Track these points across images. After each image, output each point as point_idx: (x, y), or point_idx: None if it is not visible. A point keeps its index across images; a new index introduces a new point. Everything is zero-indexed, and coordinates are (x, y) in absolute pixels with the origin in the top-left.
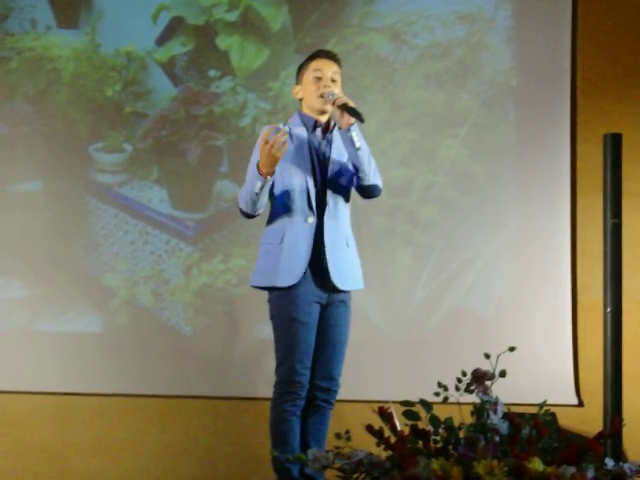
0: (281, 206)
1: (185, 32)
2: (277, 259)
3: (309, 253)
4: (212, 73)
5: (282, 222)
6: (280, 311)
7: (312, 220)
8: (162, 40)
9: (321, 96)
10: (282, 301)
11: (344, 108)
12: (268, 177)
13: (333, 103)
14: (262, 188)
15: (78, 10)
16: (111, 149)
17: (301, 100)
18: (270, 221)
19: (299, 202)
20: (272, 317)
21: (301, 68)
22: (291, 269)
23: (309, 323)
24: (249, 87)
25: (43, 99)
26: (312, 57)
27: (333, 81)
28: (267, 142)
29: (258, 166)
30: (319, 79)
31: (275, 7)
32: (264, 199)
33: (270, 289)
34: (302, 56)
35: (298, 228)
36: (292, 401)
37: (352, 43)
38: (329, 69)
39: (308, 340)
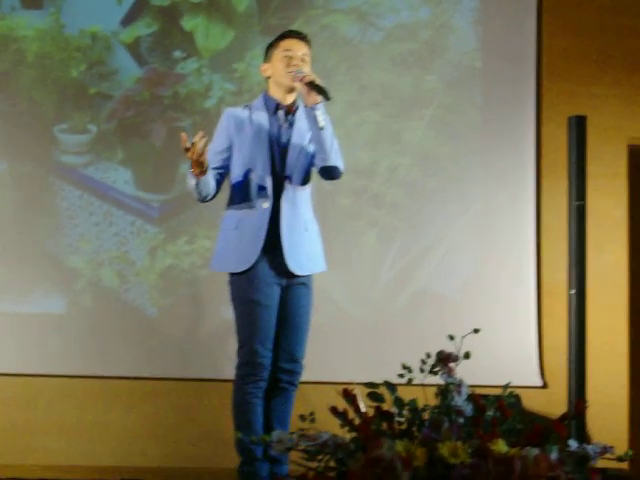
0: (237, 192)
1: (150, 13)
2: (232, 244)
3: (263, 238)
4: (177, 54)
5: (238, 208)
6: (240, 293)
7: (267, 205)
8: (127, 21)
9: (289, 73)
10: (242, 283)
11: (311, 86)
12: (200, 177)
13: (301, 80)
14: (198, 184)
15: None
16: (76, 130)
17: (268, 78)
18: (228, 206)
19: (255, 187)
20: (232, 299)
21: (271, 47)
22: (245, 254)
23: (269, 305)
24: (214, 68)
25: (7, 80)
26: (283, 36)
27: (302, 61)
28: (187, 149)
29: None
30: (289, 58)
31: None
32: (207, 189)
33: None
34: (267, 37)
35: (253, 213)
36: (254, 383)
37: (318, 24)
38: (299, 49)
39: (269, 322)
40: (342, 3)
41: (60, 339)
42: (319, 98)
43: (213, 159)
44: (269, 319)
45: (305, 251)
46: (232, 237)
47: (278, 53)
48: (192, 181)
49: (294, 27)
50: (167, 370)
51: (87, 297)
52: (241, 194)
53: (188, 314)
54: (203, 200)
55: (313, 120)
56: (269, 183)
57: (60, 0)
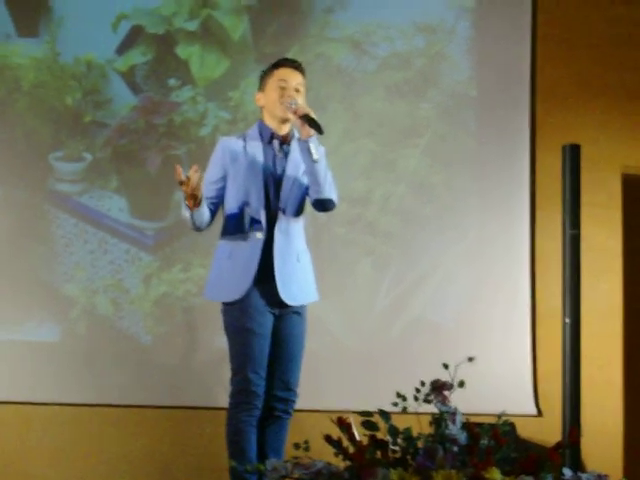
0: (231, 222)
1: (145, 41)
2: (225, 274)
3: (255, 268)
4: (172, 82)
5: (231, 238)
6: (233, 322)
7: (260, 235)
8: (122, 49)
9: (283, 104)
10: (235, 312)
11: (305, 119)
12: (195, 209)
13: (294, 112)
14: (192, 216)
15: (38, 19)
16: (71, 158)
17: (263, 108)
18: (221, 236)
19: (248, 218)
20: (226, 328)
21: (265, 75)
22: (237, 283)
23: (262, 333)
24: (209, 96)
25: (3, 108)
26: (277, 65)
27: (297, 91)
28: (182, 183)
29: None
30: (283, 89)
31: (235, 17)
32: (201, 220)
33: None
34: (262, 66)
35: (246, 243)
36: (248, 411)
37: (312, 53)
38: (294, 79)
39: (262, 350)
40: (337, 32)
41: (54, 367)
42: (312, 131)
43: (207, 189)
44: (262, 347)
45: (297, 282)
46: (225, 267)
47: (272, 83)
48: (186, 212)
49: (289, 55)
50: (161, 398)
51: (82, 325)
52: (235, 224)
53: (182, 342)
54: (197, 230)
55: (307, 152)
56: (263, 215)
57: (55, 28)
